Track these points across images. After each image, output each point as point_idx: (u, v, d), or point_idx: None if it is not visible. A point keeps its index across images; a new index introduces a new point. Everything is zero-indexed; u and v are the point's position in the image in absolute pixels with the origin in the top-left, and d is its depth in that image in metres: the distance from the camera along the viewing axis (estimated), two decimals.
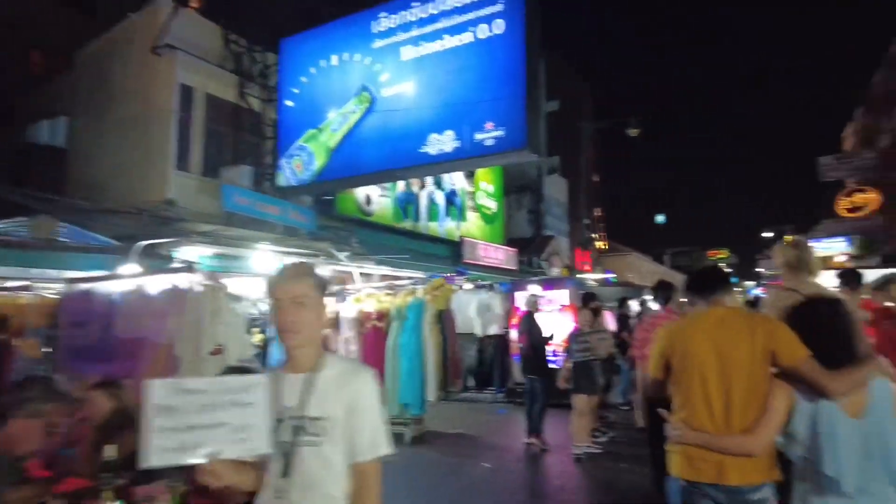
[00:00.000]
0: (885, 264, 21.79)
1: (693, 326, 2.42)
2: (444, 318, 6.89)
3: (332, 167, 10.14)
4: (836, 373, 2.02)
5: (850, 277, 4.80)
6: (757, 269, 56.12)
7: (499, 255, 17.30)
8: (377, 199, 14.02)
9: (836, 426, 1.97)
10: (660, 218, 59.16)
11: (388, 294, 7.32)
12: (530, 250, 21.73)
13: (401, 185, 14.88)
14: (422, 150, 8.98)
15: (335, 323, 7.43)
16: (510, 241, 22.26)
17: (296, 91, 10.95)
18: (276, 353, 7.69)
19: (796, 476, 2.10)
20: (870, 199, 18.62)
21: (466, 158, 8.67)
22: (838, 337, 2.13)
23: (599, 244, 35.68)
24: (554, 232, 23.80)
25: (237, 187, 10.47)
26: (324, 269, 10.72)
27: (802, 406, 2.06)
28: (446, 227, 16.64)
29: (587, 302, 8.08)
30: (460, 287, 10.31)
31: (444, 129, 8.78)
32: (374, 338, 7.06)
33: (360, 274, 12.23)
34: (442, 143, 8.78)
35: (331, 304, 7.66)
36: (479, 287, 10.27)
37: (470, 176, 18.25)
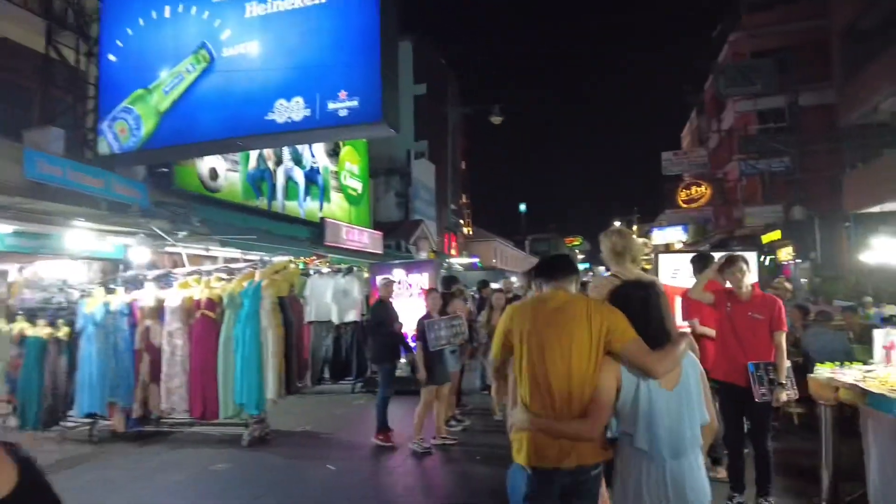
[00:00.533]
0: (713, 250, 24.42)
1: (535, 310, 2.40)
2: (286, 306, 6.09)
3: (162, 133, 8.76)
4: (658, 353, 2.16)
5: (697, 260, 4.83)
6: None
7: (363, 239, 16.59)
8: (225, 174, 12.64)
9: (655, 400, 2.13)
10: (522, 207, 61.91)
11: (222, 279, 6.36)
12: (398, 234, 21.27)
13: (253, 159, 13.59)
14: (268, 118, 8.01)
15: (157, 313, 6.32)
16: (378, 225, 21.65)
17: (120, 44, 9.33)
18: (86, 347, 6.43)
19: (619, 449, 2.22)
20: (703, 192, 20.52)
21: (317, 129, 7.86)
22: (650, 318, 2.25)
23: (466, 230, 36.29)
24: (422, 216, 23.57)
25: (44, 153, 8.71)
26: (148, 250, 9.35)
27: (628, 384, 2.18)
28: (307, 207, 15.59)
29: (449, 285, 7.73)
30: (315, 271, 9.51)
31: (293, 95, 7.89)
32: (203, 329, 6.08)
33: (206, 259, 10.94)
34: (290, 110, 7.88)
35: (153, 291, 6.52)
36: (336, 272, 9.52)
37: (334, 155, 17.28)
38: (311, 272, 9.38)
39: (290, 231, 14.07)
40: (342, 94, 7.63)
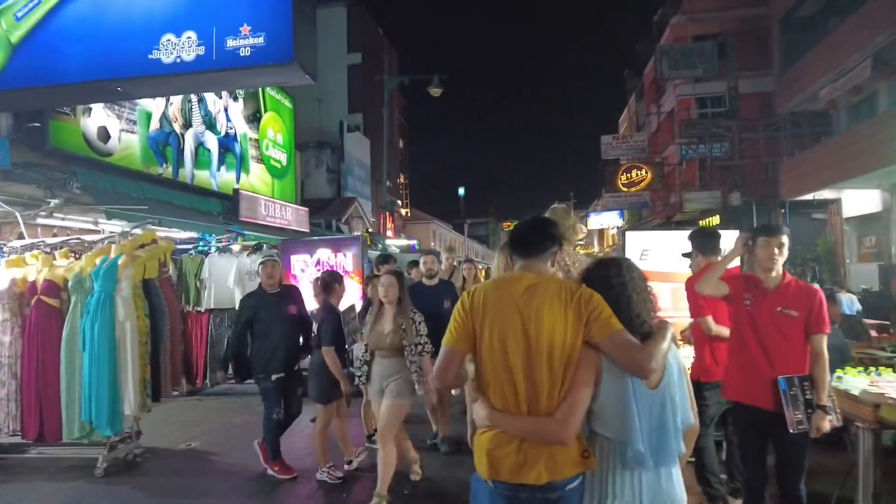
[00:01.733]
0: None
1: (499, 292, 2.00)
2: (153, 291, 4.60)
3: (15, 72, 6.84)
4: (646, 347, 1.83)
5: (701, 237, 3.78)
6: None
7: (286, 215, 14.91)
8: (119, 135, 10.68)
9: (639, 400, 1.85)
10: (461, 190, 61.03)
11: (73, 254, 4.78)
12: (329, 212, 19.63)
13: (155, 120, 11.64)
14: (152, 57, 6.31)
15: None
16: (307, 202, 19.92)
17: None
18: None
19: (597, 451, 1.89)
20: (643, 175, 20.07)
21: (214, 71, 6.23)
22: (631, 303, 1.95)
23: (404, 211, 34.87)
24: (355, 194, 21.97)
25: None
26: None
27: (608, 381, 1.87)
28: (222, 178, 13.73)
29: (382, 264, 6.47)
30: (219, 249, 7.94)
31: (184, 29, 6.23)
32: (41, 321, 4.50)
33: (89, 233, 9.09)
34: (180, 48, 6.23)
35: None
36: (253, 250, 7.97)
37: (254, 121, 15.42)
38: (213, 249, 7.81)
39: (200, 204, 12.25)
40: (244, 28, 6.06)
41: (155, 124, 11.65)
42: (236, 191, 12.96)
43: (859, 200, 15.64)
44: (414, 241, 30.04)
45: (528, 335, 1.91)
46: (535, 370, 1.88)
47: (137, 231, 4.93)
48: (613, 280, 1.99)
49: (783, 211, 16.93)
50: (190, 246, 8.37)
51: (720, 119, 19.08)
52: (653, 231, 5.34)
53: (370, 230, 21.28)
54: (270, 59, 6.20)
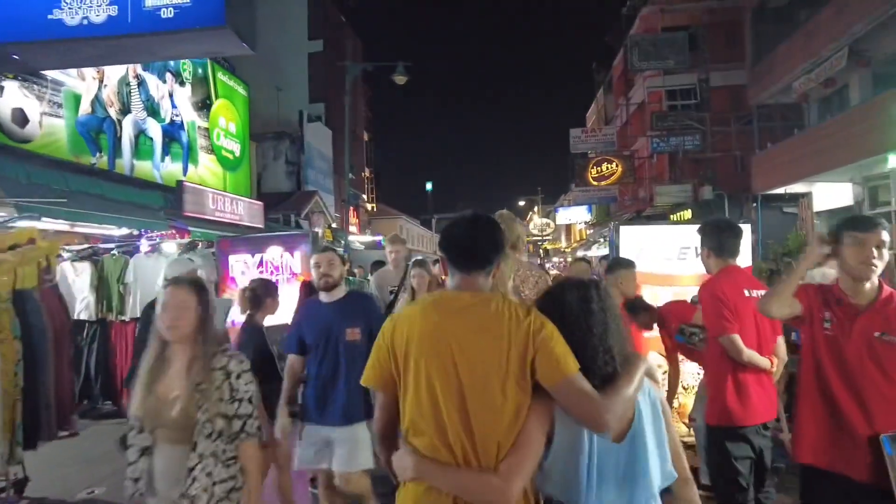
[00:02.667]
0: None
1: (427, 317, 1.63)
2: (29, 306, 3.60)
3: None
4: (606, 395, 1.50)
5: (719, 231, 2.97)
6: None
7: (238, 209, 13.76)
8: (40, 118, 9.42)
9: (600, 456, 1.52)
10: (429, 185, 59.99)
11: None
12: (287, 206, 18.50)
13: (86, 103, 10.39)
14: (53, 17, 5.26)
15: None
16: (264, 196, 18.74)
17: None
18: None
19: None
20: (614, 169, 19.55)
21: (130, 36, 5.22)
22: (594, 333, 1.61)
23: (370, 206, 33.78)
24: (317, 188, 20.84)
25: None
26: None
27: (561, 433, 1.56)
28: (167, 170, 12.51)
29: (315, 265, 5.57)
30: (153, 249, 6.89)
31: None
32: None
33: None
34: (87, 7, 5.19)
35: None
36: (189, 249, 6.94)
37: (203, 108, 14.19)
38: (141, 249, 6.74)
39: (139, 198, 11.04)
40: None
41: (86, 108, 10.40)
42: (180, 183, 11.78)
43: (831, 194, 15.38)
44: (380, 237, 29.04)
45: (458, 372, 1.56)
46: (470, 416, 1.54)
47: (21, 224, 3.89)
48: (594, 305, 1.64)
49: (755, 205, 16.60)
50: (119, 245, 7.29)
51: (691, 111, 18.68)
52: (650, 226, 4.51)
53: (332, 226, 20.22)
54: (198, 23, 5.21)
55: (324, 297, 3.45)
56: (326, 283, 3.40)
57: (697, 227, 3.03)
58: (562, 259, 35.96)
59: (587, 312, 1.63)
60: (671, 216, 18.90)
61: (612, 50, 26.81)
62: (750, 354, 2.65)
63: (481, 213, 1.79)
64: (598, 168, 19.73)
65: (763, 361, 2.69)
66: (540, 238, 37.77)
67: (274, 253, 6.31)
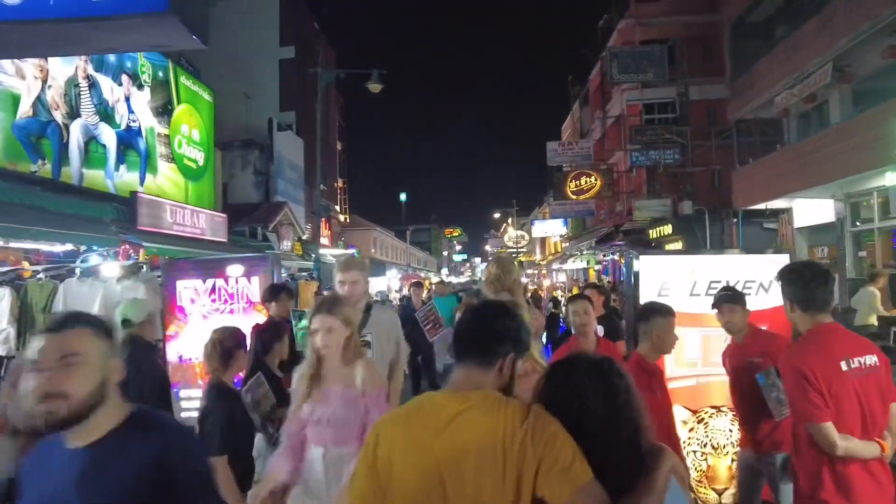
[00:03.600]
0: (597, 244, 23.41)
1: (411, 429, 1.41)
2: None
3: None
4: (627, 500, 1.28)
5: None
6: (486, 248, 60.65)
7: (199, 222, 12.75)
8: None
9: None
10: (402, 196, 59.38)
11: None
12: (255, 219, 17.48)
13: (26, 105, 9.35)
14: None
15: None
16: (231, 207, 17.71)
17: None
18: None
19: None
20: (593, 183, 19.11)
21: (52, 21, 4.37)
22: (612, 429, 1.33)
23: (342, 217, 32.82)
24: (287, 199, 19.86)
25: None
26: None
27: None
28: (122, 179, 11.47)
29: (275, 295, 4.79)
30: (86, 272, 5.94)
31: None
32: None
33: None
34: None
35: None
36: (104, 273, 5.98)
37: (164, 114, 13.19)
38: (74, 273, 5.80)
39: (87, 210, 9.98)
40: None
41: (25, 110, 9.36)
42: (134, 194, 10.76)
43: (811, 210, 15.15)
44: (353, 250, 28.10)
45: (447, 498, 1.31)
46: None
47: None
48: (620, 399, 1.34)
49: (735, 220, 16.31)
50: (50, 267, 6.31)
51: (670, 125, 18.38)
52: (675, 256, 3.79)
53: (303, 237, 19.25)
54: (135, 7, 4.33)
55: None
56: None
57: (777, 273, 2.34)
58: (536, 271, 35.55)
59: (614, 410, 1.34)
60: (650, 231, 18.52)
61: (588, 63, 26.59)
62: (848, 447, 2.00)
63: (497, 301, 1.65)
64: (577, 182, 19.27)
65: (869, 450, 2.02)
66: (515, 250, 37.32)
67: (222, 279, 5.43)
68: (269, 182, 19.44)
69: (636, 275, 3.61)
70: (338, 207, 30.79)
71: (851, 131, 12.00)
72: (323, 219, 23.84)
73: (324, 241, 23.53)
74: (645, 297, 3.54)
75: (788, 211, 16.01)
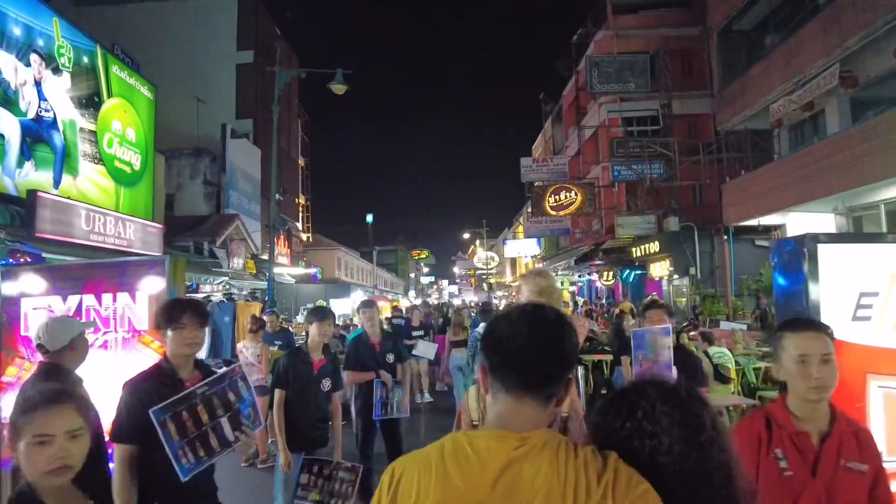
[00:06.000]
0: (576, 264, 21.94)
1: (446, 482, 1.05)
2: None
3: None
4: None
5: None
6: (454, 269, 58.94)
7: (126, 232, 10.59)
8: None
9: None
10: (369, 217, 57.39)
11: None
12: (202, 232, 15.32)
13: None
14: None
15: None
16: (177, 219, 15.57)
17: None
18: None
19: None
20: (573, 198, 17.69)
21: None
22: (712, 489, 1.03)
23: (305, 236, 30.64)
24: (240, 212, 17.75)
25: None
26: None
27: None
28: (27, 178, 9.28)
29: (173, 319, 2.80)
30: None
31: None
32: None
33: None
34: None
35: None
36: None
37: (89, 106, 11.08)
38: None
39: None
40: None
41: None
42: (32, 194, 8.60)
43: (807, 226, 14.01)
44: (315, 270, 25.96)
45: None
46: None
47: None
48: (705, 436, 1.04)
49: (726, 237, 15.05)
50: None
51: (654, 138, 17.18)
52: (873, 244, 2.05)
53: (256, 254, 17.12)
54: None
55: None
56: None
57: None
58: (507, 293, 33.93)
59: (697, 450, 1.01)
60: (633, 249, 17.16)
61: (561, 79, 25.53)
62: None
63: (546, 306, 1.17)
64: (557, 197, 17.82)
65: None
66: (485, 272, 35.67)
67: (103, 294, 3.48)
68: (221, 194, 17.32)
69: (813, 272, 1.88)
70: (300, 225, 28.66)
71: (857, 140, 10.86)
72: (282, 236, 21.73)
73: (283, 259, 21.38)
74: (831, 313, 1.82)
75: (782, 227, 14.88)
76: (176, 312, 2.70)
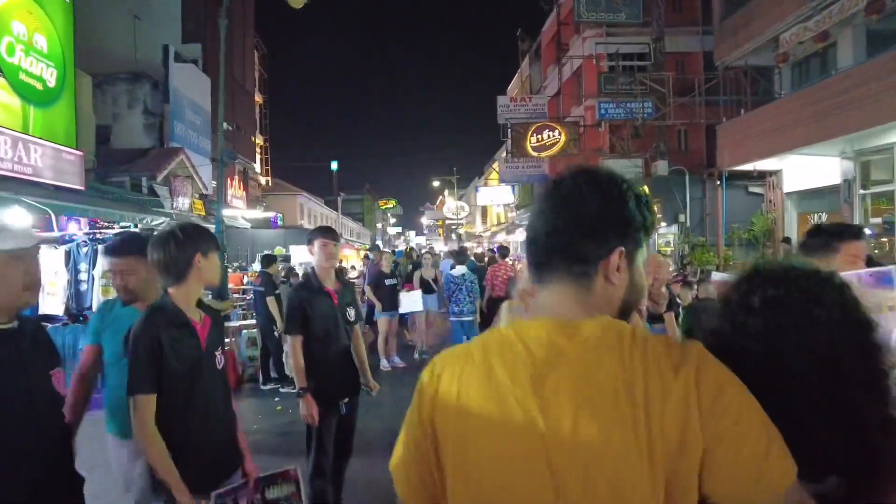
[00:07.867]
0: None
1: (490, 379, 0.84)
2: None
3: None
4: None
5: None
6: (422, 220, 57.29)
7: (35, 159, 8.58)
8: None
9: None
10: (334, 165, 54.61)
11: None
12: (140, 166, 13.24)
13: None
14: None
15: None
16: (114, 152, 13.47)
17: None
18: None
19: None
20: (557, 138, 16.17)
21: None
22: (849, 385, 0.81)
23: (264, 180, 28.38)
24: (188, 147, 15.57)
25: None
26: None
27: None
28: None
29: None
30: None
31: None
32: None
33: None
34: None
35: None
36: None
37: None
38: None
39: None
40: None
41: None
42: None
43: (804, 173, 12.97)
44: (276, 215, 23.98)
45: (559, 489, 0.76)
46: None
47: None
48: (872, 332, 0.82)
49: (719, 183, 13.91)
50: None
51: (643, 73, 15.65)
52: None
53: (205, 193, 15.13)
54: None
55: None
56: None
57: None
58: (477, 243, 32.65)
59: (858, 346, 0.80)
60: None
61: (541, 14, 23.51)
62: None
63: (591, 168, 0.90)
64: (539, 136, 16.27)
65: None
66: (455, 222, 34.22)
67: None
68: (164, 125, 15.07)
69: None
70: (258, 168, 26.39)
71: (875, 75, 9.64)
72: (236, 176, 19.62)
73: (238, 203, 19.37)
74: None
75: (777, 173, 13.84)
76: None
